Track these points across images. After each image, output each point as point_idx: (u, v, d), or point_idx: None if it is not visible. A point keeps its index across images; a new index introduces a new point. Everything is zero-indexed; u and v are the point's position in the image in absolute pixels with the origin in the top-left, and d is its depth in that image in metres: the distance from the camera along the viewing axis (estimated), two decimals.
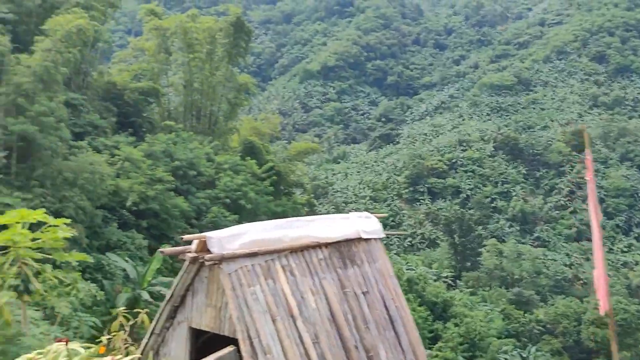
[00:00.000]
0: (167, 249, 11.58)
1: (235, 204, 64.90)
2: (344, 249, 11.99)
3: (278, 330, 10.36)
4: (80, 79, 68.40)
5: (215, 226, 56.75)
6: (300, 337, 10.53)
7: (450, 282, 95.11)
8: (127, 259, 50.51)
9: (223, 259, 10.38)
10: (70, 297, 32.47)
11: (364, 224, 12.63)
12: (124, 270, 49.22)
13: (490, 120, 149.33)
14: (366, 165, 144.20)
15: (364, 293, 11.81)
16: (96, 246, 50.84)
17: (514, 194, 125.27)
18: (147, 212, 57.65)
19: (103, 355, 11.65)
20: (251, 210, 65.45)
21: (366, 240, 12.39)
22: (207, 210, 62.79)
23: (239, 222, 57.14)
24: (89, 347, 11.36)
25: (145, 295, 45.42)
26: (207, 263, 10.47)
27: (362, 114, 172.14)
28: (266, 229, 11.35)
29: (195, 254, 10.66)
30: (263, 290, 10.56)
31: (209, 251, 10.52)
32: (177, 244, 56.50)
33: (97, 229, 53.18)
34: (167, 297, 11.42)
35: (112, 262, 49.63)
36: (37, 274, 24.46)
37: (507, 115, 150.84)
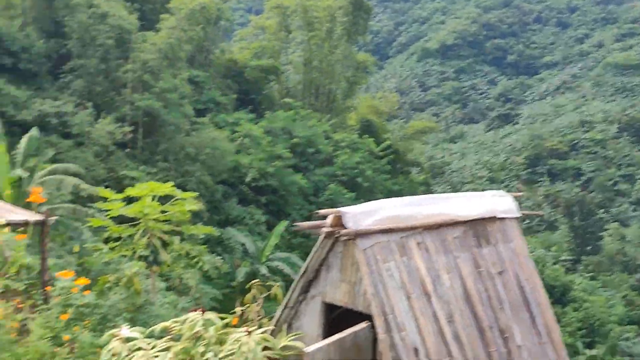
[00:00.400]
0: (303, 223, 11.63)
1: (352, 181, 65.00)
2: (478, 228, 11.73)
3: (413, 308, 10.25)
4: (202, 57, 69.78)
5: (333, 204, 57.06)
6: (434, 315, 10.39)
7: (569, 265, 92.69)
8: (246, 233, 51.48)
9: (358, 235, 10.32)
10: (195, 269, 33.27)
11: (499, 202, 12.32)
12: (243, 244, 50.19)
13: (614, 101, 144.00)
14: (484, 146, 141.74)
15: (498, 273, 11.54)
16: (216, 220, 51.90)
17: (638, 177, 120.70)
18: (265, 188, 58.46)
19: (236, 327, 11.84)
20: (368, 188, 65.41)
21: (501, 219, 12.10)
22: (324, 188, 63.15)
23: (356, 200, 57.26)
24: (223, 318, 11.56)
25: (264, 270, 46.21)
26: (342, 238, 10.44)
27: (481, 94, 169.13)
28: (400, 205, 11.22)
29: (330, 229, 10.64)
30: (398, 266, 10.46)
31: (343, 226, 10.47)
32: (294, 220, 57.30)
33: (217, 203, 54.34)
34: (301, 271, 11.46)
35: (232, 236, 50.64)
36: (165, 245, 25.12)
37: (633, 96, 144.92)
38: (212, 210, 52.23)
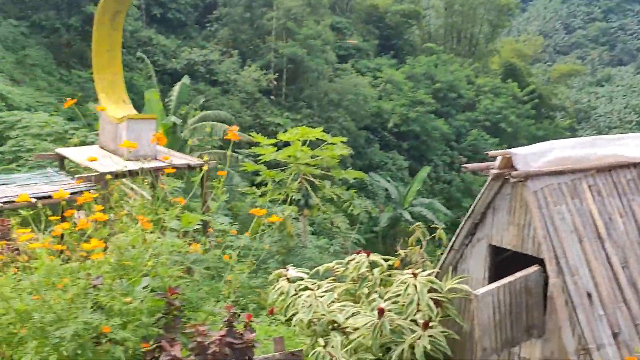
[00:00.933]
0: (471, 164, 11.42)
1: (495, 127, 63.85)
2: None
3: (585, 252, 9.94)
4: (344, 3, 69.69)
5: (475, 149, 56.27)
6: (608, 259, 10.05)
7: None
8: (388, 179, 51.55)
9: (528, 177, 10.08)
10: (346, 213, 33.57)
11: None
12: (386, 190, 50.30)
13: None
14: (633, 89, 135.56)
15: None
16: (359, 166, 52.18)
17: None
18: (407, 134, 58.24)
19: (399, 269, 11.88)
20: (511, 133, 64.10)
21: None
22: (466, 133, 62.35)
23: (499, 145, 56.23)
24: (387, 260, 11.63)
25: (407, 215, 46.23)
26: (512, 180, 10.22)
27: (631, 34, 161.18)
28: (572, 146, 10.85)
29: (499, 171, 10.43)
30: (569, 209, 10.15)
31: (513, 168, 10.24)
32: (436, 166, 56.72)
33: (360, 149, 54.58)
34: (468, 214, 11.31)
35: (375, 182, 50.85)
36: (314, 189, 25.48)
37: None
38: (355, 156, 52.49)
